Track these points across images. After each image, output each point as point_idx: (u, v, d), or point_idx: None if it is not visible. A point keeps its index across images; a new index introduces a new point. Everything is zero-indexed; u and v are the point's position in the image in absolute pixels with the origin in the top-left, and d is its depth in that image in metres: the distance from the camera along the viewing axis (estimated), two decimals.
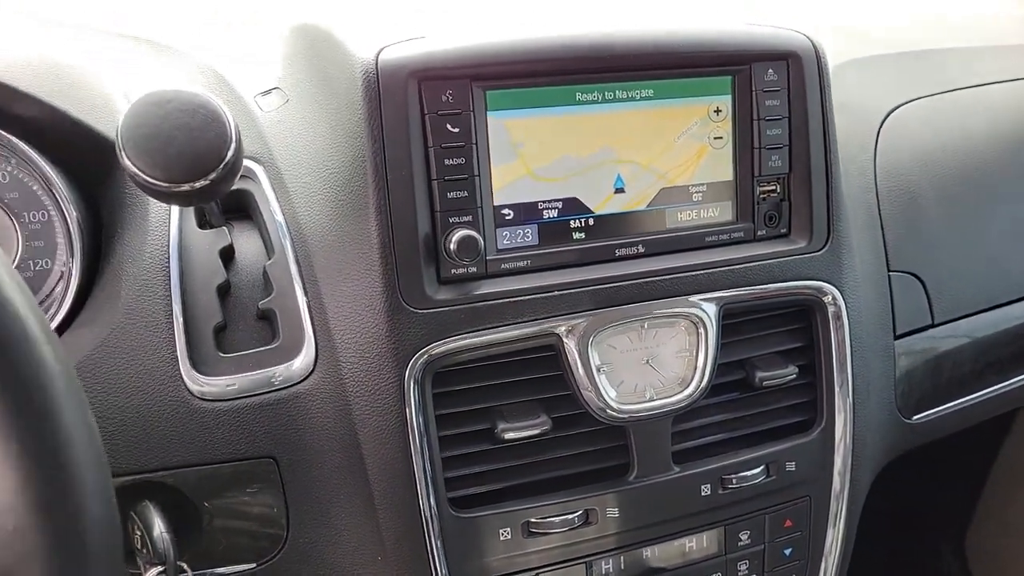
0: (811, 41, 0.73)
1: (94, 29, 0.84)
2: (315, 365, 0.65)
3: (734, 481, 0.74)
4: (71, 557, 0.37)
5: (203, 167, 0.55)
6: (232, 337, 0.67)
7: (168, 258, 0.66)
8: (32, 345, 0.36)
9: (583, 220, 0.69)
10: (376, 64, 0.61)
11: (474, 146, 0.64)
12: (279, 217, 0.68)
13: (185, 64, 0.81)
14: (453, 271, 0.65)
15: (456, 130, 0.63)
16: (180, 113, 0.54)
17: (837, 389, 0.77)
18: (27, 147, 0.68)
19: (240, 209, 0.72)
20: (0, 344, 0.35)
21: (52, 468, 0.36)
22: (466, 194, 0.64)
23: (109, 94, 0.72)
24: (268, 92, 0.76)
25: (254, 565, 0.67)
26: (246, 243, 0.71)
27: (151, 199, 0.68)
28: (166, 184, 0.55)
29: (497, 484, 0.68)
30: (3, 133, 0.67)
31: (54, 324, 0.70)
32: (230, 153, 0.55)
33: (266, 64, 0.81)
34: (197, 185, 0.56)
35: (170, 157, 0.54)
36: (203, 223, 0.70)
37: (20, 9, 0.92)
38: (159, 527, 0.60)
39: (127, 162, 0.54)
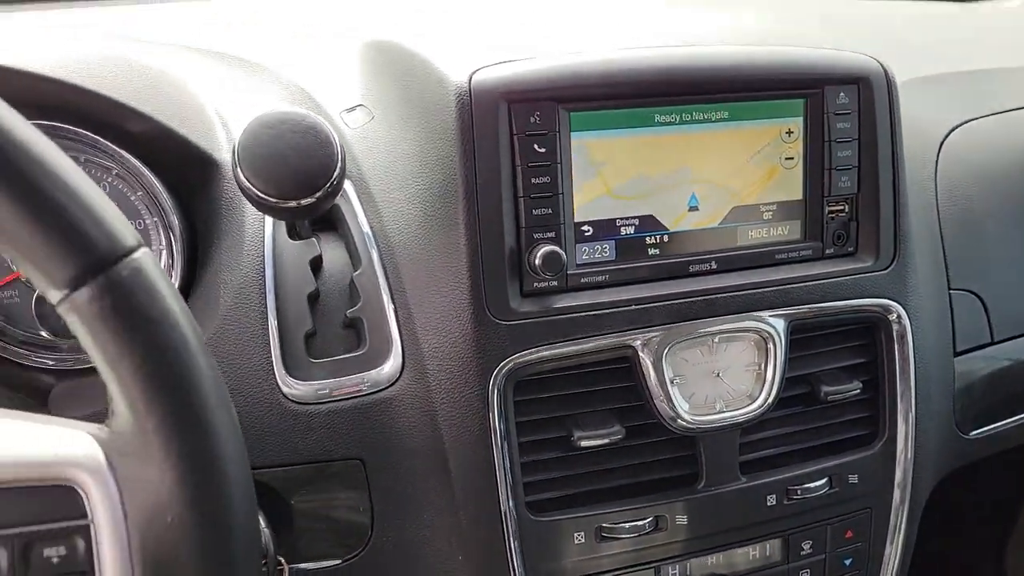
0: (882, 66, 0.75)
1: (184, 47, 0.88)
2: (402, 371, 0.68)
3: (798, 492, 0.76)
4: (221, 548, 0.40)
5: (312, 185, 0.58)
6: (320, 343, 0.71)
7: (263, 267, 0.70)
8: (191, 354, 0.40)
9: (658, 237, 0.71)
10: (470, 86, 0.64)
11: (559, 165, 0.66)
12: (367, 230, 0.72)
13: (272, 81, 0.85)
14: (535, 284, 0.68)
15: (543, 150, 0.66)
16: (292, 134, 0.58)
17: (899, 404, 0.79)
18: (134, 159, 0.72)
19: (325, 221, 0.76)
20: (164, 352, 0.39)
21: (206, 466, 0.40)
22: (550, 211, 0.67)
23: (207, 110, 0.76)
24: (352, 109, 0.80)
25: (339, 561, 0.70)
26: (331, 254, 0.74)
27: (246, 211, 0.72)
28: (276, 200, 0.59)
29: (572, 489, 0.71)
30: (112, 146, 0.71)
31: None
32: (336, 173, 0.59)
33: (340, 79, 0.85)
34: (304, 202, 0.60)
35: (283, 175, 0.57)
36: (293, 234, 0.73)
37: (111, 29, 0.96)
38: (260, 522, 0.63)
39: (242, 178, 0.58)
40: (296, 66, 0.87)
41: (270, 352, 0.68)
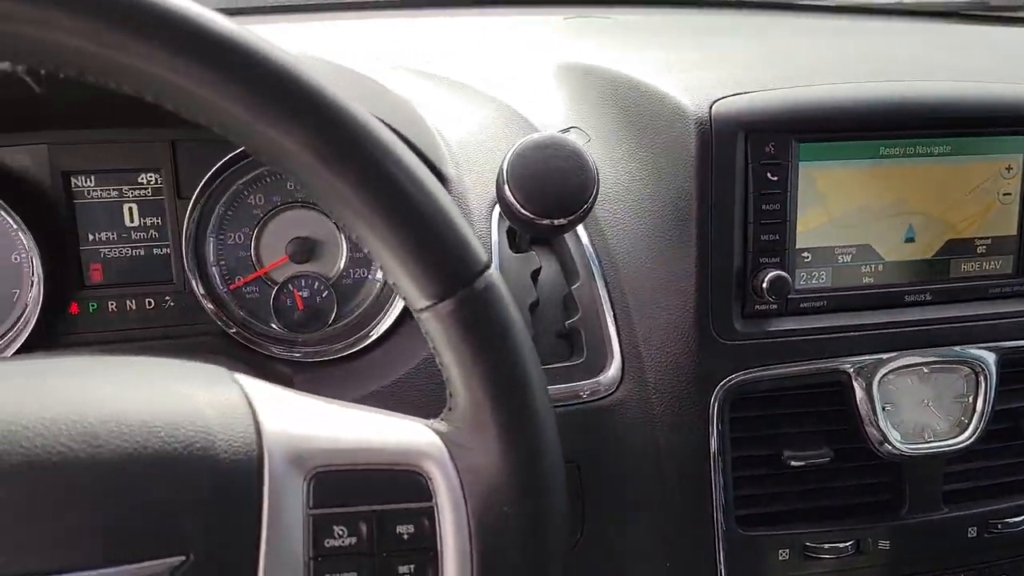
0: None
1: (399, 67, 0.94)
2: (620, 382, 0.72)
3: (999, 526, 0.76)
4: (546, 537, 0.44)
5: (570, 206, 0.63)
6: (538, 351, 0.75)
7: None
8: (530, 361, 0.44)
9: (874, 266, 0.73)
10: (710, 117, 0.67)
11: (788, 193, 0.69)
12: (587, 244, 0.76)
13: (479, 99, 0.90)
14: (756, 307, 0.70)
15: (775, 179, 0.69)
16: (557, 158, 0.62)
17: None
18: None
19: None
20: (512, 359, 0.43)
21: (539, 462, 0.44)
22: (777, 237, 0.69)
23: (432, 127, 0.82)
24: (567, 130, 0.84)
25: None
26: (545, 266, 0.79)
27: (474, 223, 0.77)
28: (534, 216, 0.63)
29: (779, 507, 0.73)
30: None
31: (382, 328, 0.80)
32: (592, 196, 0.63)
33: (541, 100, 0.89)
34: (558, 221, 0.64)
35: (546, 195, 0.62)
36: (514, 247, 0.78)
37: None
38: None
39: (508, 194, 0.62)
40: (499, 86, 0.92)
41: None
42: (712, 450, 0.70)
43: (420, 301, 0.43)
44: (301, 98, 0.39)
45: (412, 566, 0.43)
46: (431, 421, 0.47)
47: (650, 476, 0.71)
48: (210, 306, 0.80)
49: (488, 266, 0.43)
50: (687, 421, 0.70)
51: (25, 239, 0.76)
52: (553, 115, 0.87)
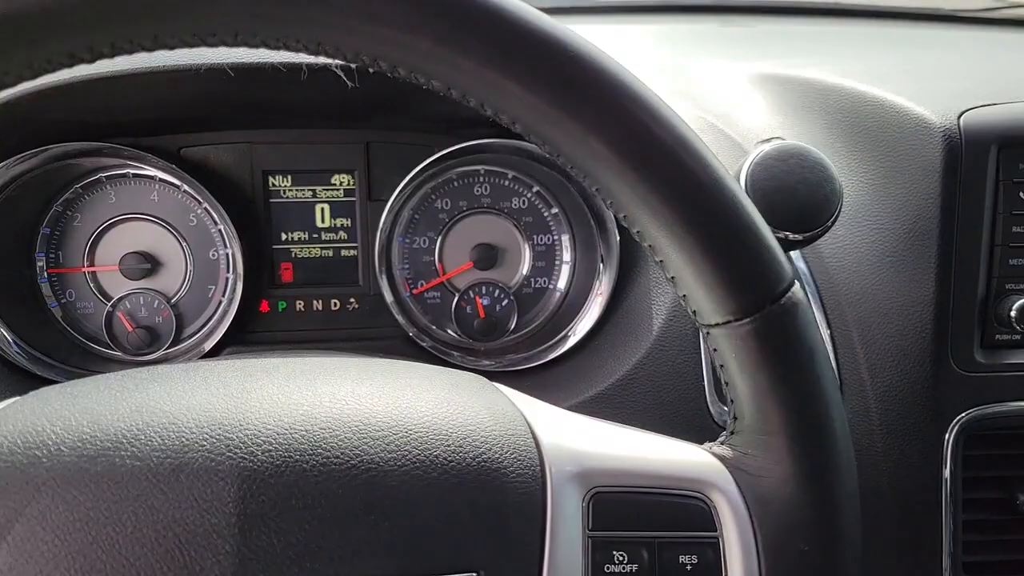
0: None
1: None
2: None
3: None
4: (844, 536, 0.40)
5: (815, 220, 0.58)
6: None
7: None
8: (834, 388, 0.40)
9: None
10: (959, 128, 0.62)
11: None
12: (801, 265, 0.71)
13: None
14: (997, 336, 0.65)
15: None
16: (801, 168, 0.58)
17: None
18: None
19: None
20: (817, 387, 0.40)
21: (847, 501, 0.40)
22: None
23: None
24: (769, 140, 0.80)
25: None
26: None
27: None
28: (780, 232, 0.59)
29: (1009, 555, 0.67)
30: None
31: (573, 342, 0.78)
32: (837, 212, 0.59)
33: (738, 109, 0.85)
34: (793, 237, 0.60)
35: (792, 209, 0.58)
36: None
37: None
38: None
39: None
40: (681, 94, 0.89)
41: (702, 378, 0.69)
42: (944, 490, 0.64)
43: (714, 316, 0.39)
44: (619, 99, 0.36)
45: None
46: (710, 445, 0.44)
47: (868, 516, 0.66)
48: (397, 310, 0.79)
49: (794, 281, 0.40)
50: (915, 458, 0.64)
51: (228, 237, 0.77)
52: (749, 125, 0.83)
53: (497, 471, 0.39)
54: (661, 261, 0.40)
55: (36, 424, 0.37)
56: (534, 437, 0.41)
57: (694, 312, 0.41)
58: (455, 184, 0.82)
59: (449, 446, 0.39)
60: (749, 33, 1.26)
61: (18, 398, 0.41)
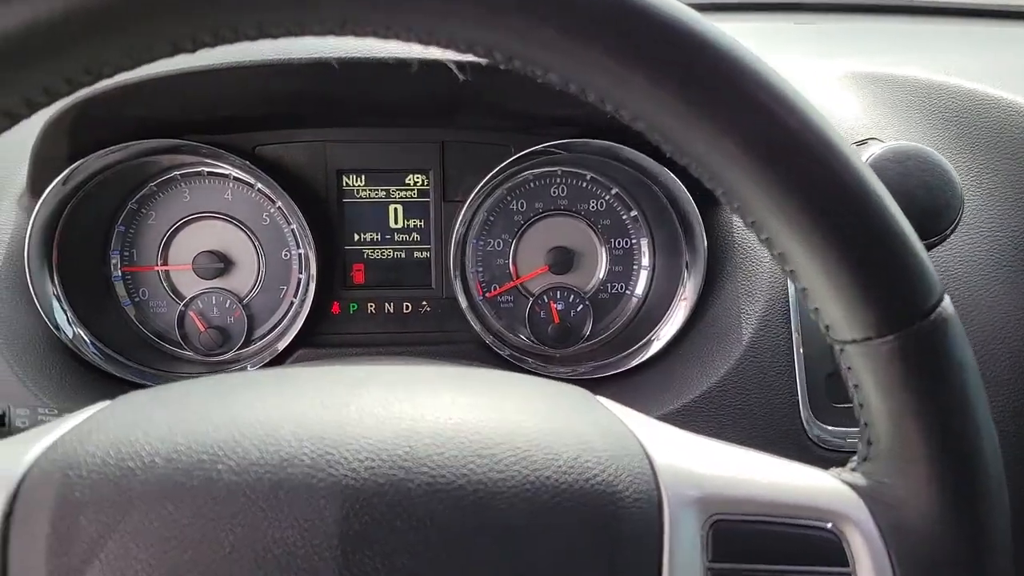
0: None
1: None
2: None
3: None
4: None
5: (935, 227, 0.54)
6: (838, 385, 0.67)
7: (787, 302, 0.67)
8: (987, 411, 0.37)
9: None
10: None
11: None
12: None
13: None
14: None
15: None
16: (920, 171, 0.54)
17: None
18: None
19: None
20: (968, 411, 0.36)
21: (998, 541, 0.36)
22: None
23: None
24: (864, 142, 0.76)
25: None
26: None
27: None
28: None
29: None
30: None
31: (654, 350, 0.74)
32: (958, 218, 0.54)
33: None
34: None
35: (910, 215, 0.53)
36: None
37: None
38: None
39: None
40: None
41: (795, 390, 0.65)
42: None
43: (852, 332, 0.36)
44: (760, 96, 0.33)
45: None
46: (839, 471, 0.40)
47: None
48: (471, 314, 0.77)
49: (943, 296, 0.36)
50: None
51: (302, 237, 0.76)
52: (841, 126, 0.79)
53: (612, 495, 0.36)
54: (792, 271, 0.36)
55: (129, 435, 0.35)
56: (648, 458, 0.38)
57: (827, 327, 0.37)
58: (531, 185, 0.80)
59: (560, 467, 0.36)
60: (827, 30, 1.22)
61: (106, 404, 0.39)
